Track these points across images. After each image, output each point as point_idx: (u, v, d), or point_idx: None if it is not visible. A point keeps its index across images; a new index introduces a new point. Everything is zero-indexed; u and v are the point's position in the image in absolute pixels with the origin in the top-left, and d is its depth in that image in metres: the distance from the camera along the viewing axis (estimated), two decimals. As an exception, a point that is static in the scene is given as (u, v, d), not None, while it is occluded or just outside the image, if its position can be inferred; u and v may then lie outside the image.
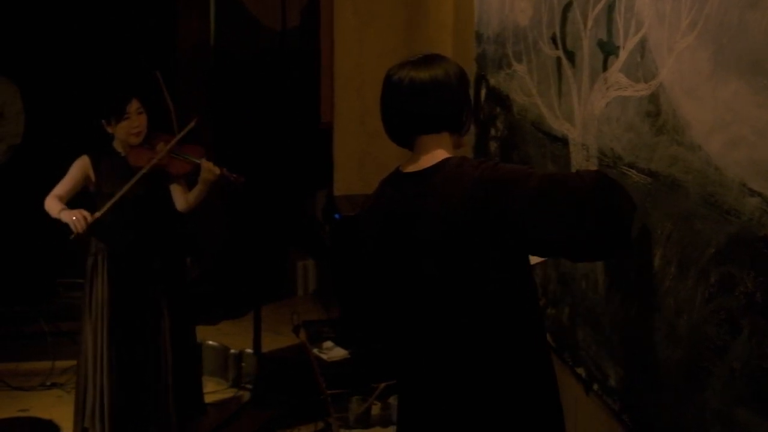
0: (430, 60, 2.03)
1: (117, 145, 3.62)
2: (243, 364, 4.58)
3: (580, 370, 2.49)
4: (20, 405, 4.37)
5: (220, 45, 6.02)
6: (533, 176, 1.90)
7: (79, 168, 3.63)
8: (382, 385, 3.30)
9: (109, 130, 3.58)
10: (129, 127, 3.55)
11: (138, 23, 5.77)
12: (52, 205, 3.55)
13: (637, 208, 1.99)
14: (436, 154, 2.01)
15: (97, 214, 3.46)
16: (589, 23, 2.34)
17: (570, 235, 1.88)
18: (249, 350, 4.55)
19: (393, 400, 3.23)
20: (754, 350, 1.64)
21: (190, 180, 3.69)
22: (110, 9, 5.73)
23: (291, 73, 5.89)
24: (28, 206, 5.40)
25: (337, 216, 4.41)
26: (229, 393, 4.40)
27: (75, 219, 3.41)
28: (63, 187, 3.60)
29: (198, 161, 3.61)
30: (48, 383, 4.58)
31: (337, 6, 4.80)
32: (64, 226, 3.45)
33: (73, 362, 4.68)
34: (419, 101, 1.99)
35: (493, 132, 3.26)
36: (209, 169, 3.59)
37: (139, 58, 5.35)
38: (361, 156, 4.85)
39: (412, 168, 2.03)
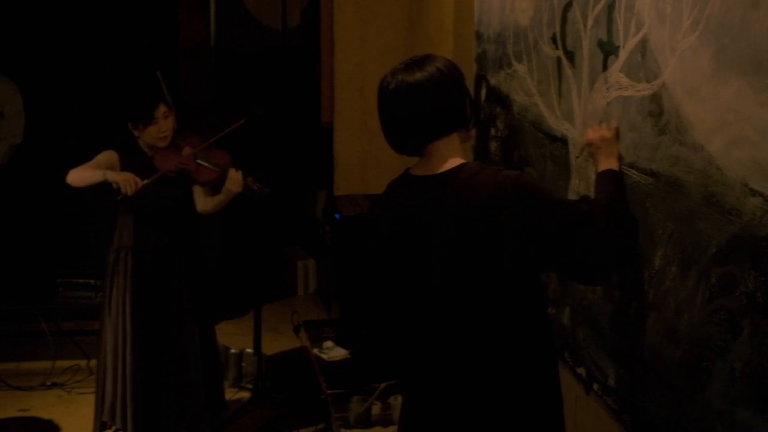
0: (420, 61, 2.00)
1: (143, 145, 3.61)
2: (243, 364, 4.58)
3: (581, 370, 2.49)
4: (20, 405, 4.37)
5: (221, 45, 6.03)
6: (561, 204, 1.94)
7: (107, 159, 3.56)
8: (383, 385, 3.30)
9: (136, 133, 3.57)
10: (157, 132, 3.54)
11: (140, 23, 5.77)
12: (87, 171, 3.47)
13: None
14: (449, 159, 1.98)
15: (146, 181, 3.42)
16: (589, 23, 2.34)
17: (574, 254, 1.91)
18: (249, 350, 4.55)
19: (393, 400, 3.22)
20: (755, 350, 1.64)
21: (215, 185, 3.68)
22: (112, 9, 5.74)
23: (292, 73, 5.90)
24: (29, 206, 5.44)
25: (337, 216, 4.41)
26: (229, 393, 4.39)
27: (126, 180, 3.37)
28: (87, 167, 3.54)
29: (224, 170, 3.59)
30: (48, 383, 4.58)
31: (337, 5, 4.80)
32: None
33: (74, 362, 4.72)
34: (421, 102, 1.95)
35: (493, 132, 3.25)
36: (234, 180, 3.57)
37: (141, 58, 5.36)
38: (362, 156, 4.85)
39: (424, 171, 2.01)
